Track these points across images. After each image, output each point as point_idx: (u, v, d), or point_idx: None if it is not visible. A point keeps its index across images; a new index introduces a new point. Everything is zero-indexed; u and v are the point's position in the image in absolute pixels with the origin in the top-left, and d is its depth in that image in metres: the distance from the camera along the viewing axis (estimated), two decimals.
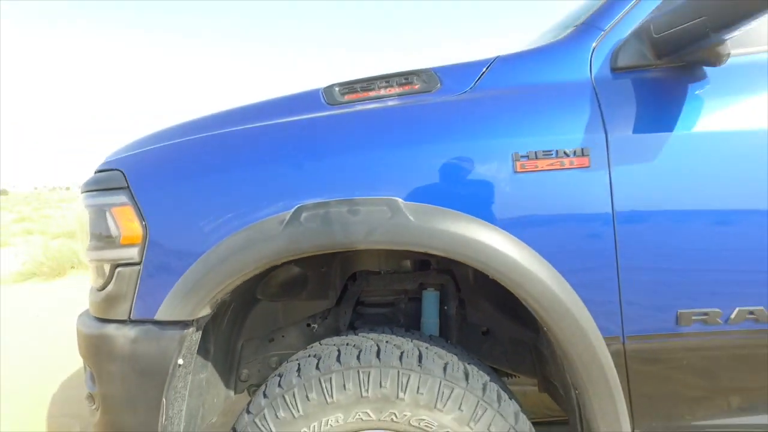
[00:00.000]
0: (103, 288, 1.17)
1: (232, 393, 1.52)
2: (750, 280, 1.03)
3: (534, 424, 1.14)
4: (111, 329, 1.14)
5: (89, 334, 1.19)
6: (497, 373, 1.33)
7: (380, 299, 1.59)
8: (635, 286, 1.03)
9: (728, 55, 1.00)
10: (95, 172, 1.25)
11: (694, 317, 1.03)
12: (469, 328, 1.56)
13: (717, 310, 1.03)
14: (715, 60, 1.00)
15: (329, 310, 1.58)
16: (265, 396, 1.09)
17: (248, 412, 1.10)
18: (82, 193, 1.26)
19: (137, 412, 1.13)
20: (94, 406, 1.22)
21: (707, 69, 1.07)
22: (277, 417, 1.05)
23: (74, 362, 3.07)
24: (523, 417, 1.10)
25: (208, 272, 1.06)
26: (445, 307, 1.52)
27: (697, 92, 1.06)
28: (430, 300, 1.47)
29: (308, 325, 1.58)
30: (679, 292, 1.04)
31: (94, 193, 1.20)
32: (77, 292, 5.63)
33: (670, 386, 1.08)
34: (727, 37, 0.96)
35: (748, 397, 1.10)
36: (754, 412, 1.10)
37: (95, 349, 1.17)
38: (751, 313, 1.03)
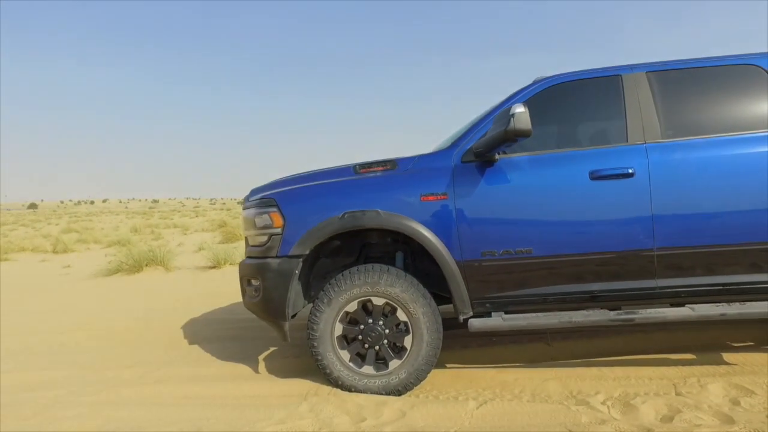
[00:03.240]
0: (264, 244, 3.03)
1: (306, 302, 3.35)
2: (503, 239, 2.83)
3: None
4: (269, 260, 2.99)
5: (257, 262, 3.04)
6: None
7: (376, 256, 3.40)
8: (466, 244, 2.85)
9: (498, 158, 2.85)
10: (261, 198, 3.12)
11: (486, 253, 2.85)
12: (418, 270, 3.37)
13: (494, 250, 2.84)
14: (492, 161, 2.85)
15: (353, 263, 3.41)
16: (329, 284, 2.91)
17: (323, 290, 2.93)
18: (251, 207, 3.14)
19: (279, 293, 2.97)
20: (256, 294, 3.07)
21: (492, 163, 2.90)
22: (334, 290, 2.88)
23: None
24: (428, 294, 2.90)
25: (310, 236, 2.91)
26: (407, 260, 3.33)
27: (488, 169, 2.89)
28: (399, 256, 3.27)
29: (343, 270, 3.40)
30: (482, 245, 2.85)
31: (263, 207, 3.06)
32: (155, 282, 7.64)
33: (481, 279, 2.89)
34: (492, 152, 2.80)
35: (515, 286, 2.90)
36: (521, 289, 2.90)
37: (261, 268, 3.02)
38: (507, 252, 2.84)
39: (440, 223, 2.87)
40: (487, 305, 2.97)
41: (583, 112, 3.16)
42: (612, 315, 2.80)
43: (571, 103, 3.12)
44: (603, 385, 2.81)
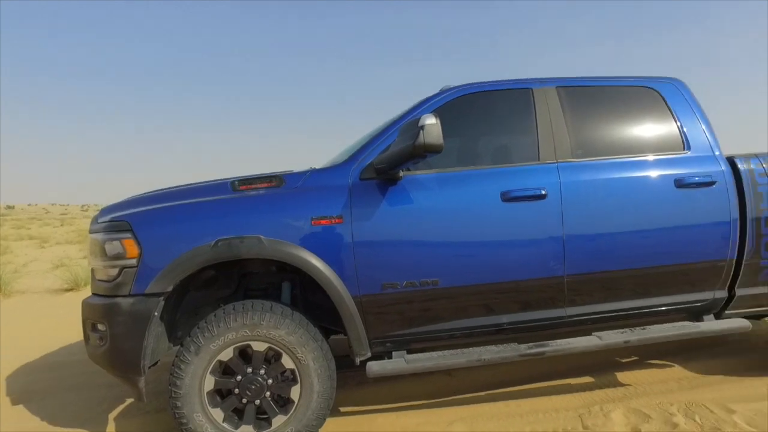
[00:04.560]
0: (114, 279, 2.39)
1: (171, 345, 2.74)
2: (407, 269, 2.50)
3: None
4: (120, 299, 2.36)
5: (104, 302, 2.39)
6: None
7: (260, 287, 2.89)
8: (364, 276, 2.46)
9: (401, 176, 2.51)
10: (110, 221, 2.47)
11: (387, 285, 2.49)
12: (309, 302, 2.92)
13: (396, 282, 2.50)
14: (395, 179, 2.51)
15: (231, 295, 2.87)
16: (198, 327, 2.36)
17: (189, 336, 2.36)
18: (99, 231, 2.47)
19: (132, 342, 2.35)
20: (102, 343, 2.41)
21: (396, 181, 2.56)
22: (204, 336, 2.33)
23: None
24: (320, 335, 2.47)
25: (173, 268, 2.33)
26: (295, 292, 2.87)
27: (390, 188, 2.54)
28: (286, 287, 2.80)
29: (218, 304, 2.85)
30: (382, 276, 2.49)
31: (113, 232, 2.41)
32: None
33: (382, 316, 2.53)
34: (397, 170, 2.46)
35: (419, 322, 2.58)
36: (426, 325, 2.57)
37: (109, 310, 2.37)
38: (411, 283, 2.51)
39: (335, 252, 2.46)
40: (388, 344, 2.62)
41: (493, 126, 2.96)
42: (523, 349, 2.59)
43: (481, 116, 2.90)
44: (511, 424, 2.59)
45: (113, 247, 2.40)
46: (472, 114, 2.90)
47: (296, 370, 2.39)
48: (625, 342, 2.69)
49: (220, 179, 2.68)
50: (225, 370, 2.40)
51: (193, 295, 2.82)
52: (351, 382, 3.27)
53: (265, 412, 2.39)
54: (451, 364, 2.52)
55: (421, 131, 2.26)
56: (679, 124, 3.02)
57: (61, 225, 34.80)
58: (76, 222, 36.29)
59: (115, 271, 2.40)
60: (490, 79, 2.97)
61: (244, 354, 2.40)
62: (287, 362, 2.39)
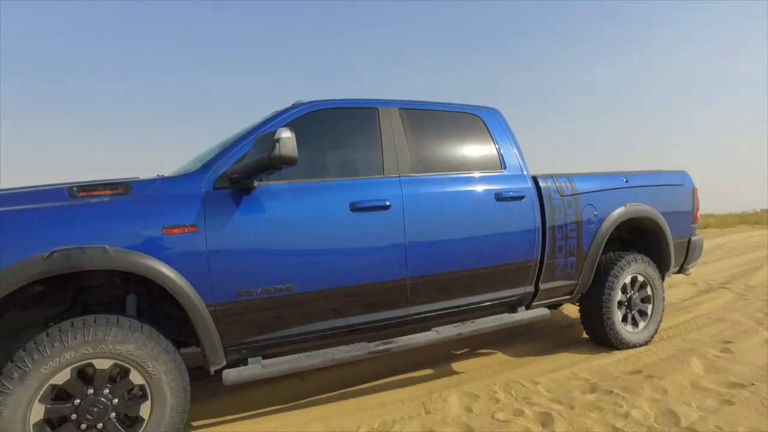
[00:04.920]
0: None
1: None
2: (262, 277, 2.57)
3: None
4: None
5: None
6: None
7: (100, 301, 2.67)
8: (219, 284, 2.46)
9: (256, 186, 2.57)
10: None
11: (242, 293, 2.52)
12: (157, 315, 2.78)
13: (251, 289, 2.54)
14: (249, 188, 2.56)
15: (64, 312, 2.60)
16: (24, 350, 2.11)
17: (11, 361, 2.10)
18: None
19: None
20: None
21: (250, 191, 2.61)
22: (32, 359, 2.10)
23: None
24: (172, 347, 2.39)
25: None
26: (141, 304, 2.71)
27: (244, 197, 2.59)
28: (131, 300, 2.63)
29: (47, 324, 2.55)
30: (237, 284, 2.51)
31: None
32: None
33: (237, 323, 2.55)
34: (251, 180, 2.51)
35: (274, 327, 2.64)
36: (281, 330, 2.65)
37: None
38: (266, 290, 2.58)
39: (188, 261, 2.42)
40: (243, 351, 2.64)
41: (342, 141, 3.16)
42: (372, 347, 2.82)
43: (331, 131, 3.08)
44: (363, 418, 2.79)
45: None
46: (323, 128, 3.08)
47: (146, 386, 2.28)
48: (458, 334, 3.10)
49: (53, 184, 2.44)
50: (58, 396, 2.18)
51: (12, 316, 2.50)
52: (202, 395, 3.19)
53: None
54: (306, 366, 2.64)
55: (277, 144, 2.37)
56: (497, 146, 3.59)
57: None
58: None
59: None
60: (337, 97, 3.20)
61: (84, 374, 2.22)
62: (136, 378, 2.27)
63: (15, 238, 2.16)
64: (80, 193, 2.39)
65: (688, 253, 4.55)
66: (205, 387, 3.27)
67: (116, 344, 2.22)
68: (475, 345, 4.17)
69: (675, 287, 6.36)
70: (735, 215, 26.29)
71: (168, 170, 3.22)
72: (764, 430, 2.49)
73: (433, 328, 3.12)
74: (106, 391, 2.22)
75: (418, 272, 2.99)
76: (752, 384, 3.06)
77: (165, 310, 2.73)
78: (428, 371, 3.57)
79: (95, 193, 2.42)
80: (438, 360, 3.82)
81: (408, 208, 2.99)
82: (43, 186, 2.47)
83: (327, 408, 2.95)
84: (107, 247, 2.26)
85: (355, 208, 2.82)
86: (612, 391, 3.01)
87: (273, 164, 2.38)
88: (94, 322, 2.22)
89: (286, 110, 2.98)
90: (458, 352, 4.03)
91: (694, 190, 4.65)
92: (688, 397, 2.92)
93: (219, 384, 3.26)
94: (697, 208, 4.68)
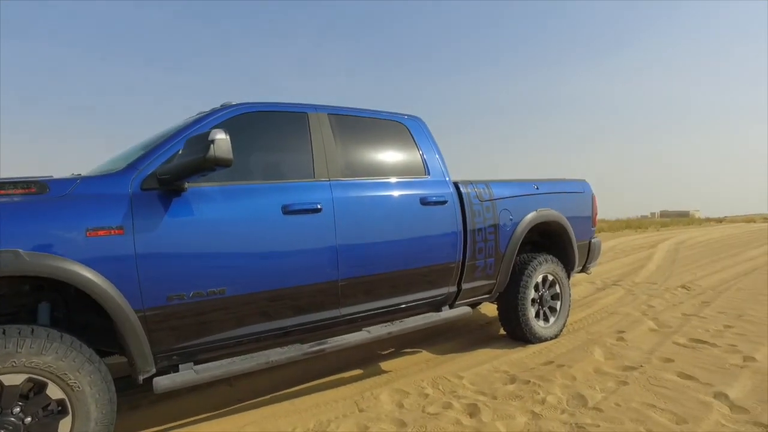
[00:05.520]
0: None
1: None
2: (194, 280, 2.50)
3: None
4: None
5: None
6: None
7: (4, 311, 2.44)
8: (148, 289, 2.36)
9: (186, 187, 2.50)
10: None
11: (173, 297, 2.44)
12: (74, 324, 2.59)
13: (182, 293, 2.47)
14: (180, 190, 2.48)
15: None
16: None
17: None
18: None
19: None
20: None
21: (180, 192, 2.53)
22: None
23: None
24: (96, 356, 2.24)
25: None
26: (56, 313, 2.52)
27: (174, 199, 2.51)
28: (44, 309, 2.43)
29: None
30: (168, 288, 2.43)
31: None
32: None
33: (168, 328, 2.46)
34: (182, 181, 2.44)
35: (207, 332, 2.57)
36: (215, 334, 2.58)
37: None
38: (198, 293, 2.51)
39: (114, 265, 2.29)
40: (174, 357, 2.55)
41: (272, 144, 3.13)
42: (306, 348, 2.84)
43: (261, 134, 3.05)
44: (298, 419, 2.79)
45: None
46: (253, 131, 3.04)
47: (67, 400, 2.12)
48: (389, 333, 3.21)
49: None
50: None
51: None
52: (123, 407, 2.99)
53: None
54: (241, 370, 2.60)
55: (212, 145, 2.32)
56: (421, 153, 3.77)
57: None
58: None
59: None
60: (270, 101, 3.19)
61: None
62: (54, 392, 2.11)
63: None
64: None
65: (589, 253, 5.05)
66: (125, 398, 3.08)
67: (31, 357, 2.05)
68: (401, 344, 4.31)
69: (577, 285, 6.98)
70: (622, 220, 29.21)
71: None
72: (651, 403, 2.85)
73: (364, 328, 3.20)
74: (17, 409, 2.04)
75: (350, 274, 3.06)
76: (641, 366, 3.48)
77: (83, 319, 2.56)
78: (358, 371, 3.64)
79: (3, 192, 2.23)
80: (367, 360, 3.90)
81: (338, 211, 3.05)
82: None
83: (261, 411, 2.92)
84: (20, 251, 2.08)
85: (287, 210, 2.84)
86: (529, 381, 3.27)
87: (207, 166, 2.33)
88: (3, 333, 2.04)
89: (215, 111, 2.93)
90: (385, 352, 4.14)
91: (593, 197, 5.16)
92: (593, 381, 3.26)
93: (141, 395, 3.13)
94: (596, 214, 5.20)
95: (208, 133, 2.35)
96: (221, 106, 3.01)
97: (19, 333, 2.06)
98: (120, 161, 2.75)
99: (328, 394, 3.19)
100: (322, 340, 2.96)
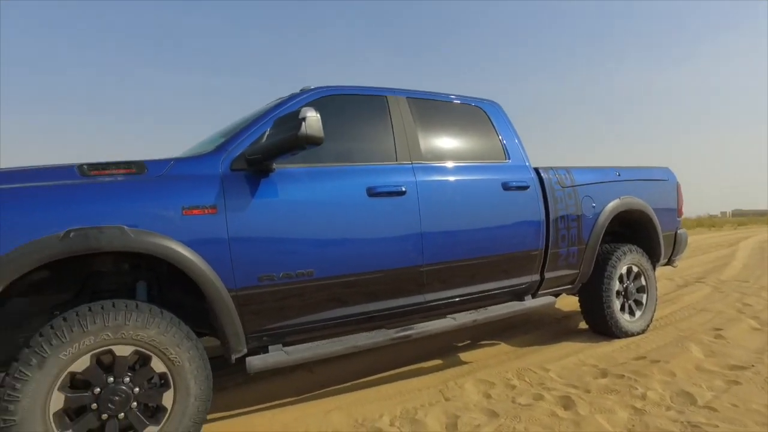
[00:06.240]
0: None
1: None
2: (283, 261, 2.49)
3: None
4: None
5: None
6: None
7: (107, 288, 2.52)
8: (240, 268, 2.37)
9: (274, 168, 2.50)
10: None
11: (264, 278, 2.44)
12: (168, 303, 2.64)
13: (272, 274, 2.46)
14: (267, 171, 2.48)
15: (70, 301, 2.44)
16: (41, 335, 1.97)
17: (28, 346, 1.95)
18: None
19: None
20: None
21: (268, 173, 2.53)
22: (50, 344, 1.95)
23: None
24: (193, 334, 2.27)
25: (5, 265, 1.91)
26: (152, 291, 2.58)
27: (263, 180, 2.51)
28: (141, 287, 2.49)
29: (53, 313, 2.39)
30: (259, 268, 2.43)
31: None
32: None
33: (259, 309, 2.46)
34: (271, 161, 2.44)
35: (296, 313, 2.56)
36: (302, 316, 2.57)
37: None
38: (287, 275, 2.50)
39: (209, 244, 2.31)
40: (264, 338, 2.55)
41: (355, 127, 3.09)
42: (392, 334, 2.78)
43: (344, 116, 3.01)
44: (384, 406, 2.74)
45: None
46: (334, 113, 3.00)
47: (169, 374, 2.16)
48: (474, 321, 3.10)
49: (62, 164, 2.29)
50: (77, 384, 2.04)
51: (16, 303, 2.33)
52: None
53: (129, 427, 2.09)
54: (329, 353, 2.57)
55: (303, 122, 2.30)
56: (500, 137, 3.63)
57: None
58: None
59: None
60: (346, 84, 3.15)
61: (101, 361, 2.08)
62: (158, 366, 2.15)
63: (26, 216, 2.02)
64: (91, 172, 2.26)
65: (675, 245, 4.71)
66: (214, 380, 3.13)
67: (137, 330, 2.10)
68: (477, 336, 4.18)
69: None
70: (692, 219, 27.56)
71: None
72: None
73: (448, 315, 3.10)
74: (127, 379, 2.09)
75: (434, 259, 2.97)
76: (752, 366, 3.17)
77: (176, 299, 2.61)
78: (438, 361, 3.55)
79: (107, 172, 2.30)
80: (444, 351, 3.80)
81: (422, 194, 2.97)
82: (55, 165, 2.32)
83: (345, 398, 2.88)
84: (125, 227, 2.14)
85: (372, 193, 2.78)
86: (623, 375, 3.06)
87: (299, 144, 2.30)
88: (113, 306, 2.09)
89: (299, 94, 2.93)
90: (461, 344, 4.02)
91: (677, 186, 4.82)
92: (696, 378, 3.00)
93: (228, 377, 3.17)
94: (681, 203, 4.86)
95: (298, 112, 2.33)
96: (300, 90, 3.00)
97: (126, 306, 2.11)
98: (208, 144, 2.80)
99: (411, 382, 3.12)
100: (408, 326, 2.89)
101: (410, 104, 3.26)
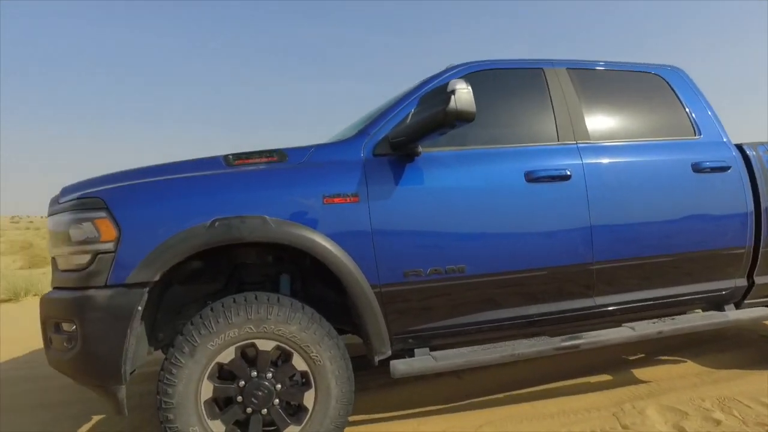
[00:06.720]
0: (85, 268, 1.96)
1: (152, 348, 2.32)
2: (431, 255, 2.23)
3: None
4: (94, 292, 1.93)
5: (72, 297, 1.95)
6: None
7: (253, 280, 2.51)
8: (384, 262, 2.16)
9: (420, 152, 2.24)
10: (79, 198, 2.04)
11: (410, 273, 2.20)
12: (310, 298, 2.57)
13: (420, 269, 2.21)
14: (413, 155, 2.24)
15: (220, 291, 2.48)
16: (192, 323, 1.98)
17: (181, 334, 1.97)
18: (64, 212, 2.04)
19: (111, 342, 1.92)
20: (70, 346, 1.97)
21: (413, 157, 2.28)
22: (200, 333, 1.95)
23: None
24: (334, 332, 2.13)
25: (161, 253, 1.94)
26: (294, 285, 2.51)
27: (408, 165, 2.27)
28: (285, 280, 2.44)
29: (206, 302, 2.44)
30: (405, 262, 2.20)
31: (83, 211, 1.99)
32: None
33: (404, 308, 2.23)
34: (416, 144, 2.19)
35: (445, 314, 2.28)
36: (452, 317, 2.29)
37: (80, 305, 1.94)
38: (436, 270, 2.23)
39: (351, 235, 2.14)
40: (410, 340, 2.32)
41: (508, 104, 2.71)
42: (557, 342, 2.36)
43: (495, 94, 2.66)
44: (544, 426, 2.34)
45: (83, 230, 1.97)
46: (485, 91, 2.65)
47: (310, 373, 2.04)
48: (658, 332, 2.52)
49: (209, 157, 2.31)
50: (224, 375, 2.01)
51: (176, 290, 2.42)
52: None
53: (272, 423, 2.02)
54: (484, 361, 2.25)
55: (453, 96, 2.00)
56: (687, 109, 2.94)
57: None
58: (6, 233, 33.67)
59: (86, 258, 1.97)
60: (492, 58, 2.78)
61: (246, 355, 2.04)
62: (299, 363, 2.04)
63: (178, 206, 2.04)
64: (236, 162, 2.25)
65: None
66: (356, 379, 3.02)
67: (279, 324, 2.00)
68: (654, 350, 3.49)
69: None
70: None
71: None
72: None
73: (624, 324, 2.57)
74: (269, 375, 2.02)
75: (607, 256, 2.47)
76: None
77: (318, 294, 2.51)
78: (605, 377, 3.01)
79: (251, 161, 2.26)
80: (612, 365, 3.22)
81: (590, 178, 2.49)
82: (203, 157, 2.36)
83: (499, 411, 2.54)
84: (267, 217, 2.06)
85: (531, 178, 2.39)
86: None
87: (448, 120, 2.01)
88: (256, 298, 2.03)
89: (445, 71, 2.64)
90: (633, 357, 3.40)
91: None
92: None
93: (371, 377, 3.02)
94: None
95: (446, 85, 2.04)
96: (447, 68, 2.71)
97: (268, 300, 2.03)
98: (351, 130, 2.65)
99: (575, 400, 2.66)
100: (576, 335, 2.43)
101: (571, 76, 2.79)
